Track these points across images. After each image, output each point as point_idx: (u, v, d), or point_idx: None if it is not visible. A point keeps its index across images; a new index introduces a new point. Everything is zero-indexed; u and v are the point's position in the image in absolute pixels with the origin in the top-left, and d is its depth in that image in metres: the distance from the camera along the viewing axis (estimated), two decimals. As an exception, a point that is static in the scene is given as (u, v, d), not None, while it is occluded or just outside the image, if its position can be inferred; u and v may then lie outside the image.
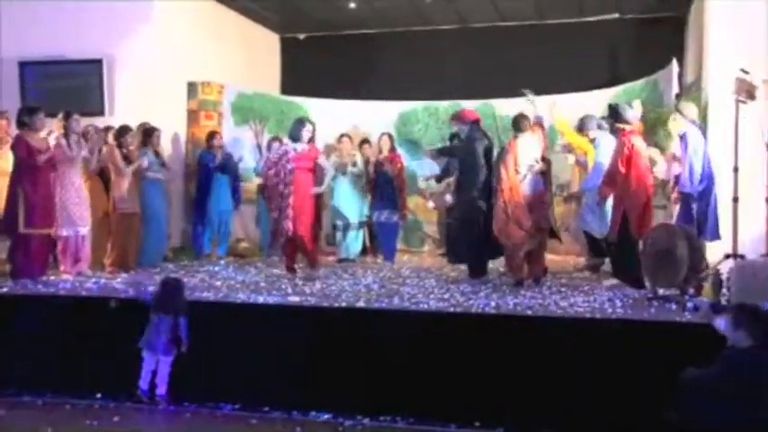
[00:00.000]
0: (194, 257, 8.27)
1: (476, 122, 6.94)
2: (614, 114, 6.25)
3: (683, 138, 6.06)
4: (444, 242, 8.20)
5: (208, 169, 8.40)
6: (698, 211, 5.98)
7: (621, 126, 6.15)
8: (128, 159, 7.27)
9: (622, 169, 5.98)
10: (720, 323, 4.00)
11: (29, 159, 6.32)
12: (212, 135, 8.61)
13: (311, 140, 7.04)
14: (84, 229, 6.72)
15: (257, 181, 8.53)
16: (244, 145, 9.45)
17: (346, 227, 8.47)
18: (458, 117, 7.04)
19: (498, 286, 6.30)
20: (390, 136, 8.74)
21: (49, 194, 6.46)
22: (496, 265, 6.98)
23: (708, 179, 6.02)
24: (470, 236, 6.63)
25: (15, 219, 6.29)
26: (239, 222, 9.07)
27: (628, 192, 6.01)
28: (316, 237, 7.35)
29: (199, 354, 5.02)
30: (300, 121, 7.10)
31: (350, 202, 8.47)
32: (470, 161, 6.69)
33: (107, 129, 7.52)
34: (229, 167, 8.48)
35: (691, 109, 6.30)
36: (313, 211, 7.06)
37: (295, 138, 6.96)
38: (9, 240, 6.42)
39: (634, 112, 6.26)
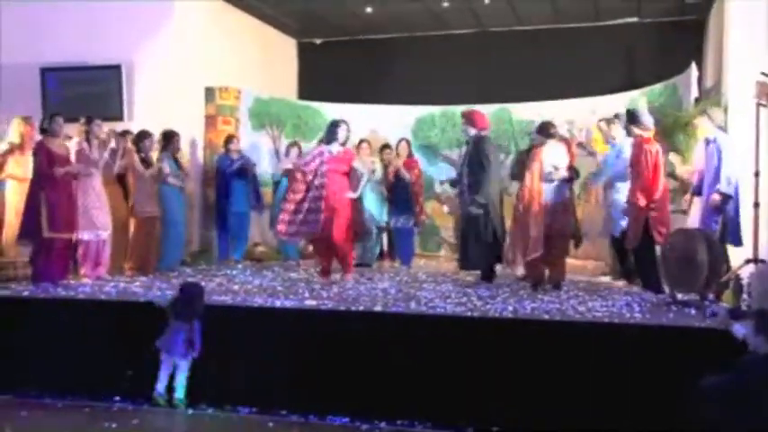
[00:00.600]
0: (216, 262, 8.33)
1: (483, 130, 6.93)
2: (633, 119, 6.24)
3: (712, 142, 6.05)
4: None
5: (225, 173, 8.48)
6: (723, 217, 5.96)
7: (639, 132, 6.14)
8: (146, 163, 7.36)
9: (650, 176, 6.00)
10: (739, 329, 3.97)
11: (47, 170, 6.40)
12: (229, 139, 8.68)
13: (345, 143, 7.03)
14: (105, 234, 6.79)
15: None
16: (261, 150, 9.51)
17: (379, 231, 8.53)
18: (468, 117, 6.98)
19: (516, 291, 6.30)
20: (408, 142, 8.78)
21: (70, 199, 6.54)
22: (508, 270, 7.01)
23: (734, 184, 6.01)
24: (479, 239, 6.65)
25: (38, 223, 6.36)
26: (256, 226, 9.13)
27: (653, 199, 6.02)
28: (352, 242, 7.22)
29: (216, 357, 5.05)
30: (335, 123, 7.08)
31: (371, 208, 8.51)
32: (478, 165, 6.70)
33: (124, 133, 7.60)
34: (247, 171, 8.54)
35: (718, 114, 6.33)
36: (350, 215, 6.97)
37: (330, 139, 6.95)
38: (31, 245, 6.50)
39: (651, 118, 6.27)
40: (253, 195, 8.63)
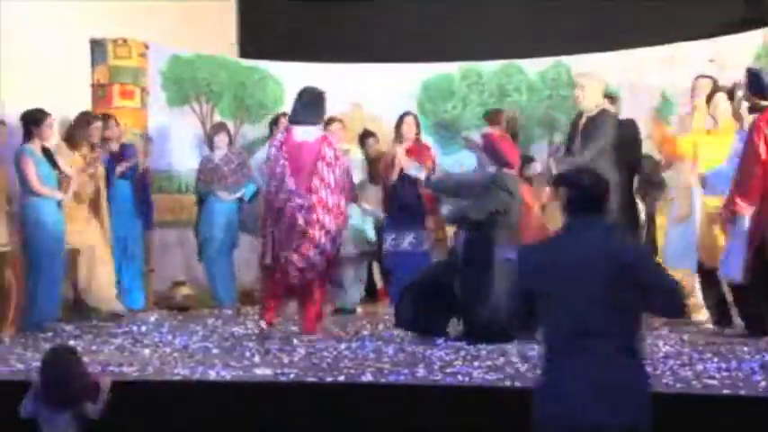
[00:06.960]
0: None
1: (506, 164, 6.98)
2: (756, 85, 6.31)
3: None
4: None
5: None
6: None
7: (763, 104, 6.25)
8: None
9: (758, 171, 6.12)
10: None
11: None
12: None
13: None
14: None
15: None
16: (183, 138, 9.53)
17: (365, 258, 8.62)
18: (488, 141, 7.08)
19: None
20: (416, 117, 8.80)
21: None
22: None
23: None
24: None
25: None
26: (179, 256, 9.14)
27: None
28: None
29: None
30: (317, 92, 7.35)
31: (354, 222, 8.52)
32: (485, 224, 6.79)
33: None
34: (135, 171, 8.58)
35: None
36: None
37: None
38: None
39: None
40: (143, 206, 8.68)
